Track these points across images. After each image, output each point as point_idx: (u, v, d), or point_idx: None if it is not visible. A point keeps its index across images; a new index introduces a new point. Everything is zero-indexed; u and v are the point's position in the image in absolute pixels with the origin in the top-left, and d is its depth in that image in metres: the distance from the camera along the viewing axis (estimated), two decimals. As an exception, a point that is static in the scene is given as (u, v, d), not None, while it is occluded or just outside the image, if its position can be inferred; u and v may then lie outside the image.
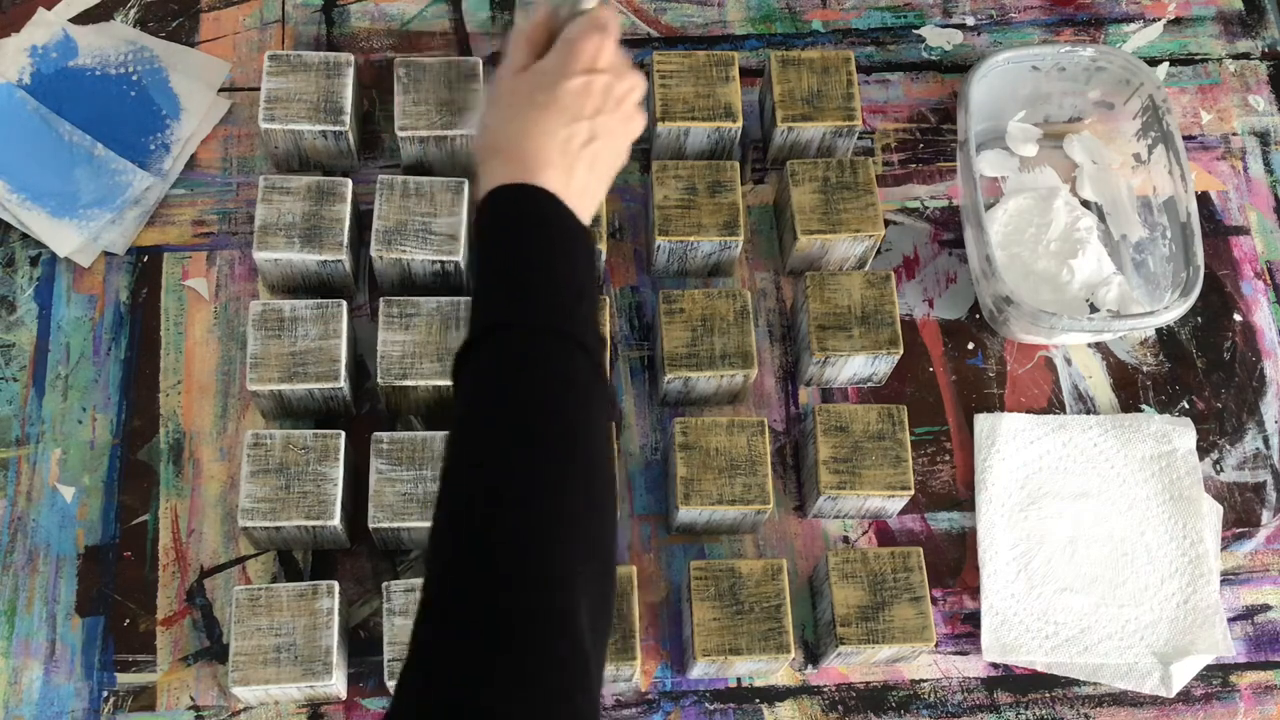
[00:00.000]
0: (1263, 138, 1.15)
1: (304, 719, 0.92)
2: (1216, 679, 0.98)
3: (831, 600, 0.92)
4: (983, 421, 1.03)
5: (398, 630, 0.88)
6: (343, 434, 0.93)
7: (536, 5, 0.88)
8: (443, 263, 0.99)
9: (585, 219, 0.81)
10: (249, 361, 0.95)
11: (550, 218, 0.79)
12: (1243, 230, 1.12)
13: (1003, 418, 1.03)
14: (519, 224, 0.79)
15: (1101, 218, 1.10)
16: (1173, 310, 1.00)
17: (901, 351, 0.99)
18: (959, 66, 1.16)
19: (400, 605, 0.89)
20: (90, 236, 1.04)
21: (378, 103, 1.11)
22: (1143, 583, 0.99)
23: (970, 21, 1.18)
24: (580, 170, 0.81)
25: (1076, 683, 0.97)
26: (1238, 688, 0.97)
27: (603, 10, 0.86)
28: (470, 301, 0.80)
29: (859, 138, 1.11)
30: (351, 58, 1.04)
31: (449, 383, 0.95)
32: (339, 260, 0.98)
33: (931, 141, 1.13)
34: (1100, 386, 1.06)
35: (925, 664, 0.96)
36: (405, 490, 0.92)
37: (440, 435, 0.94)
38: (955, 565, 1.00)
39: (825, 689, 0.95)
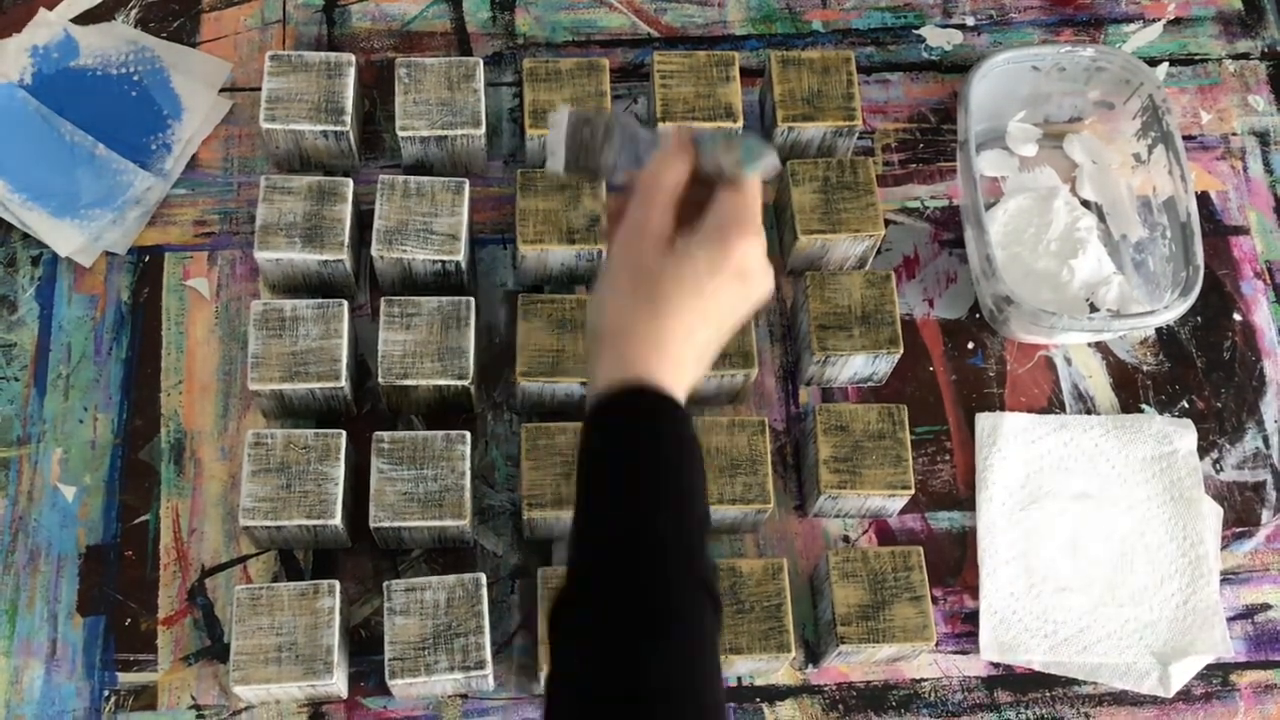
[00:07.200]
0: (1262, 138, 1.15)
1: (305, 718, 0.92)
2: (1216, 678, 0.98)
3: (832, 599, 0.92)
4: (984, 421, 1.03)
5: (398, 629, 0.88)
6: (344, 433, 0.94)
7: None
8: (443, 262, 0.99)
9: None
10: (250, 361, 0.95)
11: (683, 439, 0.71)
12: (1242, 230, 1.12)
13: (1004, 417, 1.03)
14: (648, 443, 0.70)
15: (1101, 218, 1.10)
16: (1173, 310, 1.00)
17: (902, 351, 0.99)
18: (959, 66, 1.16)
19: (401, 604, 0.89)
20: (91, 236, 1.04)
21: (379, 103, 1.11)
22: (1142, 583, 0.99)
23: (970, 21, 1.18)
24: (699, 371, 0.73)
25: (1077, 682, 0.97)
26: (1238, 687, 0.97)
27: (754, 184, 0.74)
28: (574, 524, 0.70)
29: (859, 138, 1.11)
30: (352, 58, 1.05)
31: (449, 382, 0.95)
32: (340, 260, 0.98)
33: (931, 141, 1.13)
34: (1100, 386, 1.06)
35: (926, 663, 0.97)
36: (406, 490, 0.92)
37: (440, 435, 0.94)
38: (955, 564, 1.00)
39: (826, 688, 0.95)
